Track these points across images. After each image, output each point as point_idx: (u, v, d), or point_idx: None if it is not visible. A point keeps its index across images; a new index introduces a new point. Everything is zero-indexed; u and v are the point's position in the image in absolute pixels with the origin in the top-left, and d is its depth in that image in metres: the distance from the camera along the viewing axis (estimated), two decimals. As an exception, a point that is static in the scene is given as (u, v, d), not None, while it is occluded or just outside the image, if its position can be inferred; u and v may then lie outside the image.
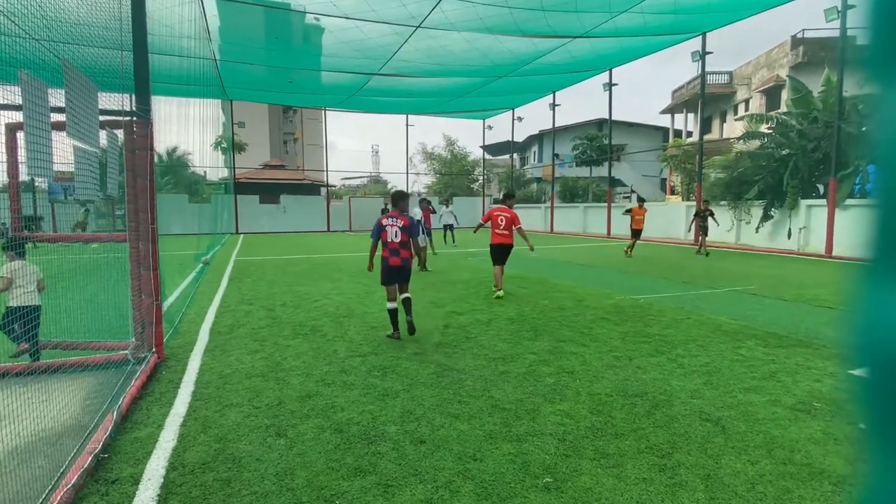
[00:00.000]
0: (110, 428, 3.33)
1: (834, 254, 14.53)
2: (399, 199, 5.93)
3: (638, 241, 15.31)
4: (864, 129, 16.12)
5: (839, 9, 14.44)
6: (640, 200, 16.04)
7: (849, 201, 14.83)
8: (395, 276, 5.71)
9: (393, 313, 5.72)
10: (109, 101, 4.54)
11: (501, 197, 8.98)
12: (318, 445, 3.23)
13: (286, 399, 4.01)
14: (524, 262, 13.62)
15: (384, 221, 5.77)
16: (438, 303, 7.89)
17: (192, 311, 7.51)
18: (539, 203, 36.79)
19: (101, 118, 4.47)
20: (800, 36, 27.45)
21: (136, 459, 3.08)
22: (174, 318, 6.75)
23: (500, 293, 8.23)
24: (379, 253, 5.83)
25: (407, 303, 5.76)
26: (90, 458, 2.93)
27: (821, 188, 17.01)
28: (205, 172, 29.38)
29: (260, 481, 2.82)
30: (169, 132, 12.20)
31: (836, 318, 6.72)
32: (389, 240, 5.69)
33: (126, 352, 4.81)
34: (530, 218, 32.54)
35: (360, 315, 7.07)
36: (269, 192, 35.46)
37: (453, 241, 19.21)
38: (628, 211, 15.10)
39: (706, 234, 15.39)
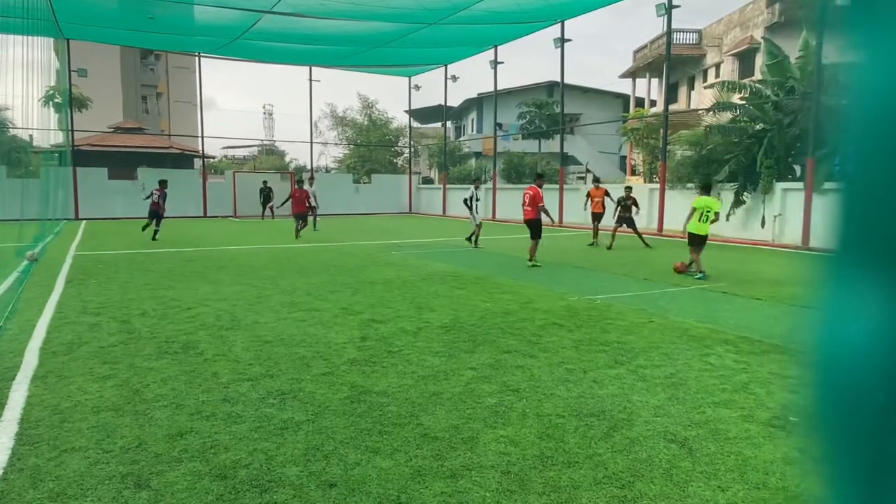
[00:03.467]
0: None
1: (812, 245, 15.91)
2: (164, 182, 16.97)
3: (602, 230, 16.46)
4: (842, 101, 17.97)
5: (818, -38, 15.72)
6: (596, 180, 17.97)
7: (828, 185, 16.28)
8: (153, 214, 16.79)
9: (155, 232, 16.79)
10: None
11: (534, 176, 13.39)
12: (194, 498, 3.12)
13: (149, 439, 3.83)
14: (458, 256, 13.80)
15: (155, 192, 16.69)
16: (352, 309, 7.83)
17: (13, 325, 6.97)
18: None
19: None
20: (776, -9, 29.66)
21: (-68, 530, 2.83)
22: (-13, 334, 6.23)
23: (531, 264, 11.75)
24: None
25: (156, 232, 16.73)
26: None
27: (798, 169, 18.49)
28: (30, 136, 27.25)
29: (114, 548, 2.68)
30: (-23, 80, 11.19)
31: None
32: (153, 200, 16.58)
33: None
34: (467, 201, 32.93)
35: (248, 326, 6.88)
36: (123, 163, 33.53)
37: (314, 227, 21.13)
38: (588, 195, 17.26)
39: (633, 226, 15.88)
